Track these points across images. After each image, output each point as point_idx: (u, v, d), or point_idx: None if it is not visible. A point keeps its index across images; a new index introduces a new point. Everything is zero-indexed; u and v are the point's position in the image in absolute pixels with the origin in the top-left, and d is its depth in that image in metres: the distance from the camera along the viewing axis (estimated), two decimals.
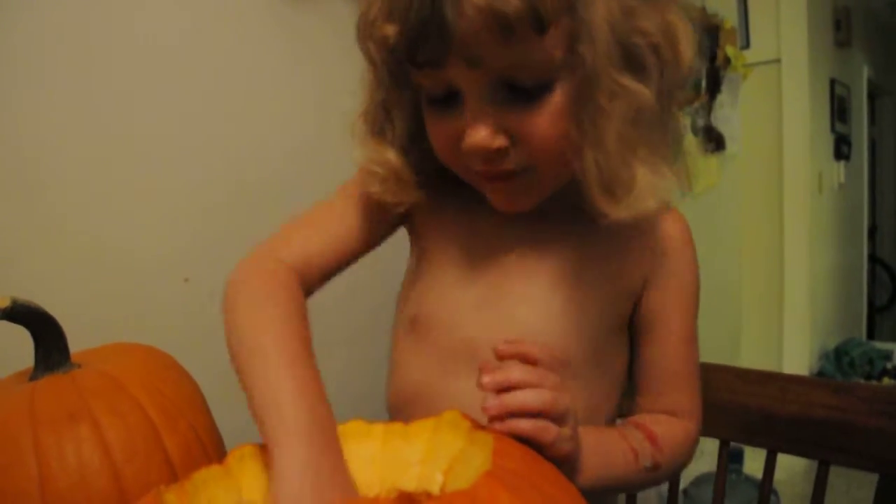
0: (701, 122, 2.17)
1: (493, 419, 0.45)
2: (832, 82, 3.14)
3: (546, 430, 0.45)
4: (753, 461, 2.01)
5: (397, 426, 0.46)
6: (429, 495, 0.41)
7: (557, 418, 0.46)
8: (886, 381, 3.00)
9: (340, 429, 0.46)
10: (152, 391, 0.63)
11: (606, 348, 0.63)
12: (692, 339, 0.65)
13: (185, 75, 0.97)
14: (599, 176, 0.50)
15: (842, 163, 3.34)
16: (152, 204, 0.94)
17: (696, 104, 2.10)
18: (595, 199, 0.51)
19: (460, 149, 0.52)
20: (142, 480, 0.57)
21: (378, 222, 0.65)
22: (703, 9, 2.13)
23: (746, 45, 2.71)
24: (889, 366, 3.09)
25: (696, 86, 2.06)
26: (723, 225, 2.55)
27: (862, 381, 3.03)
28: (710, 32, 2.15)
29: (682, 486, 0.95)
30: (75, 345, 0.67)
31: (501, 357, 0.48)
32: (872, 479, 0.79)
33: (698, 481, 1.94)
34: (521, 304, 0.60)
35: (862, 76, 3.76)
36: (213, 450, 0.65)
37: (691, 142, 2.07)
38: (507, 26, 0.44)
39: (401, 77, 0.55)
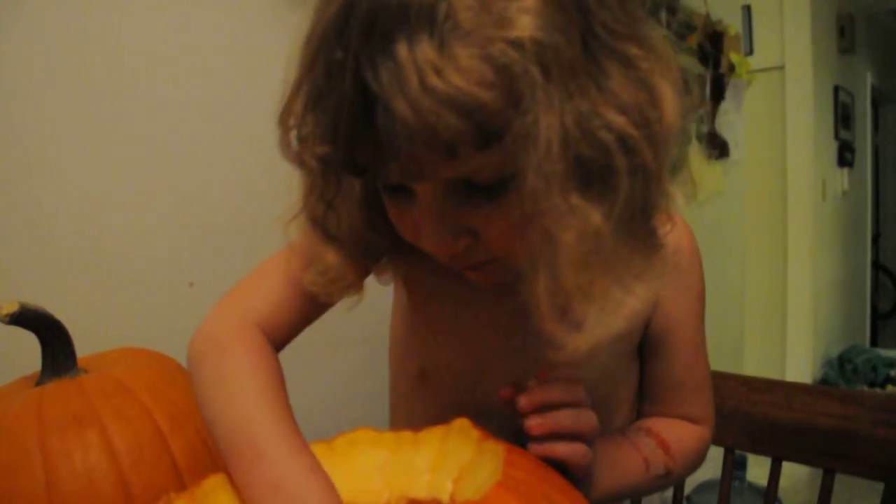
0: (704, 129, 2.17)
1: (534, 437, 0.45)
2: (836, 89, 3.14)
3: (582, 455, 0.46)
4: (756, 469, 2.01)
5: (407, 434, 0.46)
6: (438, 503, 0.40)
7: (591, 440, 0.47)
8: (890, 388, 2.99)
9: (349, 436, 0.46)
10: (159, 396, 0.63)
11: (620, 371, 0.63)
12: (702, 345, 0.65)
13: (189, 79, 0.98)
14: (549, 299, 0.42)
15: (845, 170, 3.33)
16: (157, 209, 0.94)
17: (700, 111, 2.10)
18: (546, 323, 0.43)
19: (419, 240, 0.47)
20: (148, 485, 0.57)
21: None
22: (708, 15, 2.14)
23: (750, 52, 2.71)
24: (893, 373, 3.08)
25: (701, 93, 2.06)
26: (726, 231, 2.54)
27: (865, 388, 3.02)
28: (714, 39, 2.15)
29: (685, 492, 0.95)
30: (81, 350, 0.67)
31: (504, 400, 0.48)
32: (876, 488, 0.78)
33: (701, 488, 1.93)
34: (530, 358, 0.55)
35: (866, 83, 3.76)
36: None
37: (693, 147, 2.07)
38: (447, 146, 0.38)
39: (340, 178, 0.49)
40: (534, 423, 0.45)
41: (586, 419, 0.47)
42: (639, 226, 0.44)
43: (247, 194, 1.04)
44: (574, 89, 0.38)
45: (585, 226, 0.40)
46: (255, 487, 0.41)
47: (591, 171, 0.39)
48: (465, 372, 0.59)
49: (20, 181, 0.81)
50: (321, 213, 0.51)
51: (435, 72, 0.35)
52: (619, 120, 0.39)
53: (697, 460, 0.64)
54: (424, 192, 0.43)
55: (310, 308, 0.58)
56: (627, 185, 0.40)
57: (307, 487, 0.40)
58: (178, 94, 0.96)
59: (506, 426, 0.51)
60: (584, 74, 0.38)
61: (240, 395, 0.47)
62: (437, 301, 0.60)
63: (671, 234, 0.54)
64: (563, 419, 0.46)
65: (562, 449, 0.45)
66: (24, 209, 0.82)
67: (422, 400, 0.63)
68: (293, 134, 0.46)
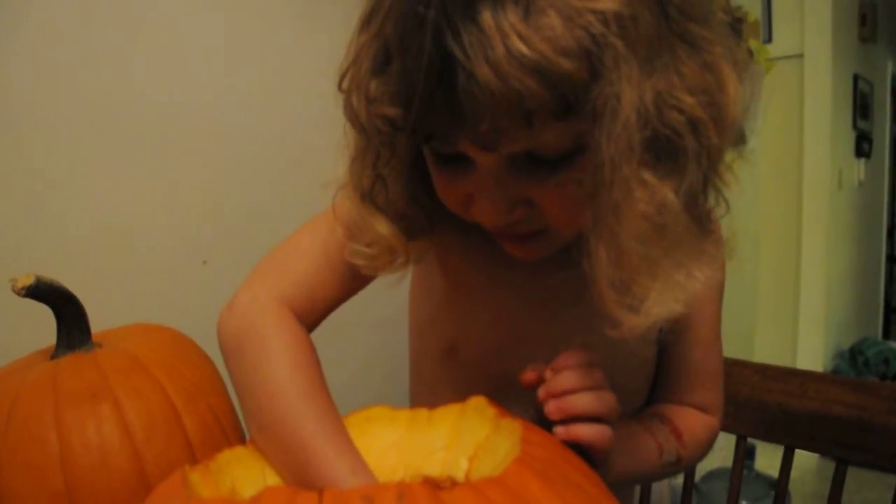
0: None
1: (555, 422, 0.45)
2: (855, 78, 3.09)
3: (606, 436, 0.45)
4: (765, 458, 2.00)
5: (422, 412, 0.46)
6: (453, 481, 0.40)
7: (613, 422, 0.47)
8: None
9: (364, 413, 0.46)
10: (173, 372, 0.63)
11: (641, 358, 0.62)
12: (718, 335, 0.65)
13: (203, 59, 0.98)
14: (609, 272, 0.42)
15: (862, 160, 3.29)
16: (171, 188, 0.94)
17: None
18: (604, 299, 0.43)
19: (471, 209, 0.47)
20: (161, 460, 0.58)
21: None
22: (727, 1, 2.11)
23: (769, 40, 2.68)
24: None
25: None
26: (740, 219, 2.52)
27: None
28: (734, 26, 2.12)
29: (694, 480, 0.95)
30: (96, 327, 0.67)
31: (530, 382, 0.48)
32: (886, 480, 0.78)
33: (709, 476, 1.93)
34: (562, 337, 0.56)
35: (886, 72, 3.70)
36: (232, 431, 0.65)
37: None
38: (525, 113, 0.38)
39: (399, 144, 0.48)
40: (552, 408, 0.45)
41: (606, 401, 0.46)
42: (699, 209, 0.45)
43: (259, 174, 1.04)
44: (653, 67, 0.38)
45: (654, 201, 0.40)
46: (290, 467, 0.42)
47: (662, 150, 0.40)
48: (495, 347, 0.59)
49: (38, 162, 0.82)
50: (370, 184, 0.50)
51: (520, 38, 0.35)
52: (690, 101, 0.39)
53: (705, 450, 0.65)
54: (487, 161, 0.43)
55: (348, 284, 0.58)
56: (693, 167, 0.41)
57: (332, 464, 0.41)
58: (193, 78, 0.96)
59: (533, 402, 0.51)
60: (662, 53, 0.39)
61: (281, 396, 0.46)
62: (472, 276, 0.60)
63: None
64: (582, 402, 0.45)
65: (586, 431, 0.45)
66: (41, 188, 0.82)
67: (448, 377, 0.62)
68: (355, 96, 0.45)
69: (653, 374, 0.65)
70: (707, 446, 0.65)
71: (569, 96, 0.37)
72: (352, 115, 0.46)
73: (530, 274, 0.57)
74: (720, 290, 0.64)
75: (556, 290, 0.58)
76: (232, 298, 0.55)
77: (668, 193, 0.40)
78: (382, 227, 0.51)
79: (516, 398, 0.55)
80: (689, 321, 0.62)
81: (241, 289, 0.56)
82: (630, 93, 0.37)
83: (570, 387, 0.46)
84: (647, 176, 0.40)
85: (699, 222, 0.45)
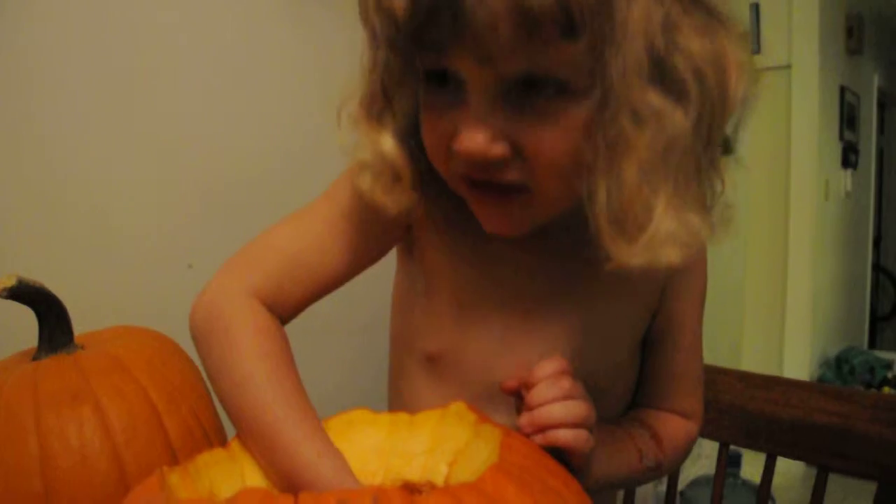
0: None
1: (529, 434, 0.46)
2: (842, 90, 3.12)
3: (586, 441, 0.46)
4: (750, 466, 2.01)
5: (403, 416, 0.46)
6: (433, 486, 0.40)
7: (590, 427, 0.47)
8: (887, 390, 2.99)
9: (346, 416, 0.46)
10: (155, 375, 0.63)
11: (628, 362, 0.63)
12: (700, 342, 0.65)
13: (190, 61, 0.97)
14: (609, 208, 0.43)
15: (849, 171, 3.32)
16: (157, 190, 0.94)
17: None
18: (602, 233, 0.44)
19: (450, 148, 0.46)
20: (142, 463, 0.57)
21: (367, 243, 0.58)
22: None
23: (757, 50, 2.70)
24: (889, 375, 3.08)
25: None
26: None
27: (863, 389, 3.02)
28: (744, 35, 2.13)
29: (678, 488, 0.95)
30: (79, 329, 0.67)
31: (510, 390, 0.49)
32: (869, 488, 0.79)
33: (695, 484, 1.94)
34: (545, 342, 0.58)
35: (872, 84, 3.75)
36: (214, 435, 0.65)
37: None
38: (532, 24, 0.37)
39: (406, 58, 0.47)
40: (524, 422, 0.46)
41: (579, 410, 0.47)
42: (704, 155, 0.45)
43: (247, 177, 1.03)
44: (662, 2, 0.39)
45: (662, 126, 0.40)
46: (270, 473, 0.43)
47: (669, 77, 0.40)
48: (478, 354, 0.59)
49: (22, 161, 0.81)
50: (380, 104, 0.50)
51: None
52: (696, 47, 0.40)
53: (685, 455, 0.65)
54: (477, 85, 0.42)
55: (324, 271, 0.57)
56: (695, 114, 0.41)
57: (318, 472, 0.41)
58: (178, 77, 0.96)
59: (514, 409, 0.52)
60: None
61: (247, 384, 0.46)
62: (455, 281, 0.59)
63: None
64: (557, 414, 0.46)
65: (563, 434, 0.45)
66: (25, 188, 0.81)
67: (430, 387, 0.61)
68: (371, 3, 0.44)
69: (636, 380, 0.65)
70: (686, 452, 0.65)
71: (576, 14, 0.37)
72: (364, 16, 0.46)
73: (515, 280, 0.57)
74: (703, 295, 0.65)
75: (540, 297, 0.58)
76: (203, 288, 0.56)
77: (678, 118, 0.40)
78: (388, 142, 0.50)
79: (500, 407, 0.55)
80: (672, 326, 0.63)
81: (212, 279, 0.56)
82: (640, 13, 0.38)
83: (542, 400, 0.46)
84: (655, 99, 0.40)
85: (699, 181, 0.45)
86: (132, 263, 0.91)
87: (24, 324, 0.63)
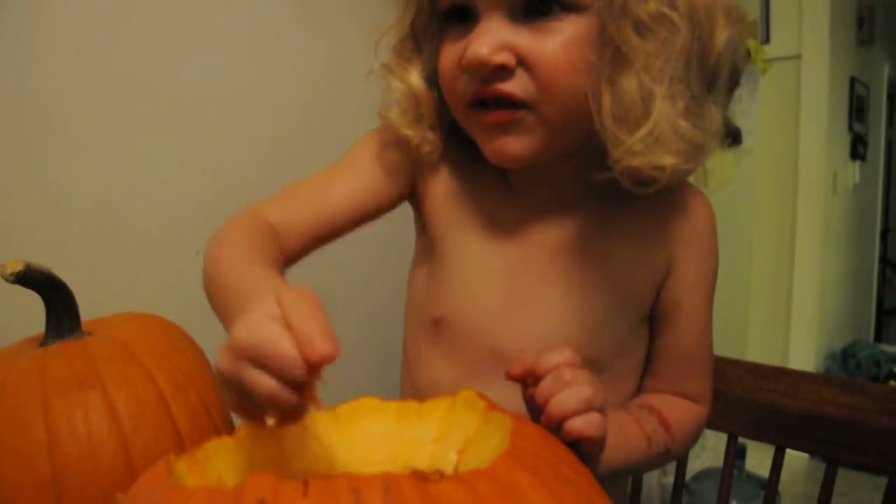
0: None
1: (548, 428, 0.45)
2: (852, 81, 3.10)
3: (598, 425, 0.45)
4: (755, 458, 2.01)
5: (411, 404, 0.45)
6: (442, 474, 0.40)
7: (601, 408, 0.46)
8: (893, 383, 2.98)
9: (354, 404, 0.45)
10: (162, 361, 0.63)
11: (631, 338, 0.63)
12: (710, 323, 0.65)
13: (199, 52, 0.97)
14: (613, 111, 0.48)
15: (857, 163, 3.30)
16: (165, 178, 0.94)
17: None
18: (606, 129, 0.48)
19: (461, 70, 0.51)
20: (150, 449, 0.57)
21: (374, 175, 0.62)
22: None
23: (767, 40, 2.68)
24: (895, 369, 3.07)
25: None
26: (735, 220, 2.53)
27: None
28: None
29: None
30: (86, 316, 0.67)
31: (515, 378, 0.48)
32: (875, 482, 0.78)
33: (700, 476, 1.94)
34: (548, 307, 0.59)
35: (883, 76, 3.71)
36: (221, 422, 0.65)
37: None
38: None
39: (430, 4, 0.54)
40: (543, 424, 0.45)
41: (589, 395, 0.46)
42: (690, 88, 0.49)
43: (254, 164, 1.03)
44: None
45: (664, 37, 0.46)
46: (224, 307, 0.46)
47: (658, 21, 0.46)
48: (483, 316, 0.59)
49: (30, 149, 0.81)
50: (409, 48, 0.57)
51: None
52: None
53: (694, 440, 0.65)
54: (490, 3, 0.48)
55: (344, 197, 0.60)
56: (688, 32, 0.47)
57: (259, 286, 0.43)
58: (186, 64, 0.95)
59: (522, 395, 0.52)
60: None
61: (229, 269, 0.49)
62: (463, 242, 0.61)
63: (691, 206, 0.62)
64: (571, 403, 0.45)
65: (578, 424, 0.45)
66: (33, 175, 0.81)
67: (436, 350, 0.62)
68: None
69: (643, 361, 0.65)
70: (695, 436, 0.65)
71: None
72: None
73: (518, 244, 0.60)
74: (713, 280, 0.64)
75: (543, 262, 0.60)
76: None
77: (680, 27, 0.46)
78: (415, 77, 0.57)
79: (501, 371, 0.56)
80: (681, 308, 0.63)
81: None
82: None
83: (552, 392, 0.46)
84: (656, 5, 0.45)
85: (690, 101, 0.49)
86: (139, 250, 0.91)
87: (31, 309, 0.63)
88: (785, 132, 2.81)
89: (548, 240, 0.60)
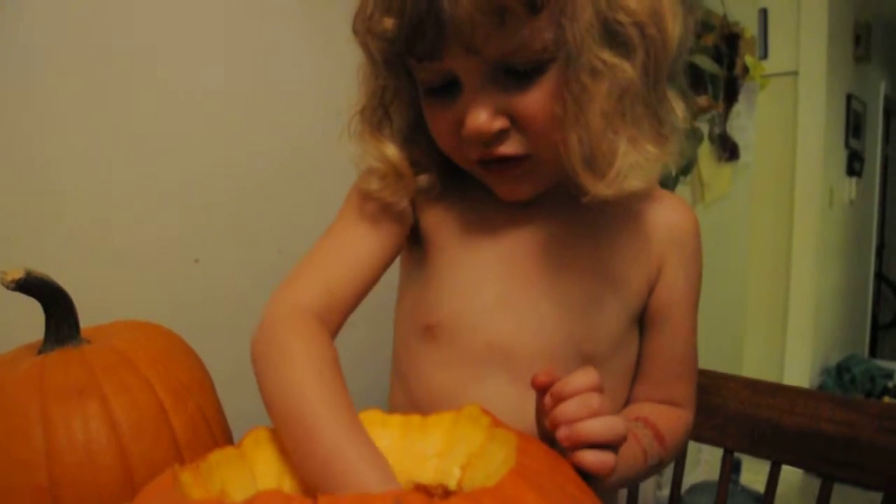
0: (717, 131, 2.16)
1: (566, 447, 0.45)
2: (849, 97, 3.12)
3: (609, 464, 0.44)
4: (750, 472, 2.01)
5: (415, 418, 0.45)
6: (445, 489, 0.40)
7: (619, 447, 0.46)
8: (887, 399, 2.99)
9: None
10: (161, 370, 0.62)
11: (626, 336, 0.63)
12: (695, 329, 0.66)
13: (199, 58, 0.97)
14: (581, 152, 0.51)
15: (854, 179, 3.32)
16: (164, 185, 0.93)
17: (713, 112, 2.08)
18: (578, 174, 0.52)
19: (461, 137, 0.53)
20: (148, 458, 0.57)
21: (388, 232, 0.63)
22: (725, 16, 2.12)
23: (765, 56, 2.69)
24: (890, 384, 3.08)
25: (714, 94, 2.05)
26: (732, 234, 2.53)
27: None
28: (731, 41, 2.14)
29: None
30: (85, 324, 0.66)
31: (541, 387, 0.47)
32: (870, 498, 0.78)
33: (694, 489, 1.94)
34: (541, 303, 0.60)
35: (879, 93, 3.74)
36: (220, 432, 0.65)
37: (705, 148, 2.06)
38: (501, 10, 0.46)
39: (399, 69, 0.56)
40: (563, 436, 0.44)
41: (614, 428, 0.45)
42: (653, 94, 0.53)
43: (254, 173, 1.03)
44: None
45: (615, 77, 0.49)
46: (314, 475, 0.41)
47: (616, 35, 0.49)
48: (476, 315, 0.60)
49: (30, 156, 0.81)
50: (379, 115, 0.59)
51: None
52: (634, 4, 0.49)
53: (683, 447, 0.68)
54: (470, 76, 0.51)
55: (366, 260, 0.61)
56: (642, 60, 0.50)
57: (360, 473, 0.40)
58: (185, 74, 0.95)
59: (515, 379, 0.54)
60: None
61: (297, 393, 0.46)
62: (455, 241, 0.62)
63: (676, 213, 0.64)
64: (594, 430, 0.44)
65: (590, 459, 0.44)
66: (33, 183, 0.81)
67: (427, 353, 0.63)
68: (359, 20, 0.54)
69: (634, 365, 0.65)
70: (685, 443, 0.67)
71: None
72: (360, 38, 0.55)
73: (511, 241, 0.61)
74: (699, 283, 0.66)
75: (537, 258, 0.61)
76: (260, 317, 0.56)
77: (627, 69, 0.49)
78: (390, 150, 0.58)
79: (495, 369, 0.55)
80: (669, 311, 0.64)
81: (266, 305, 0.57)
82: None
83: (578, 415, 0.45)
84: (607, 55, 0.49)
85: (653, 118, 0.53)
86: (139, 258, 0.91)
87: (30, 317, 0.63)
88: (782, 148, 2.83)
89: (539, 235, 0.61)
